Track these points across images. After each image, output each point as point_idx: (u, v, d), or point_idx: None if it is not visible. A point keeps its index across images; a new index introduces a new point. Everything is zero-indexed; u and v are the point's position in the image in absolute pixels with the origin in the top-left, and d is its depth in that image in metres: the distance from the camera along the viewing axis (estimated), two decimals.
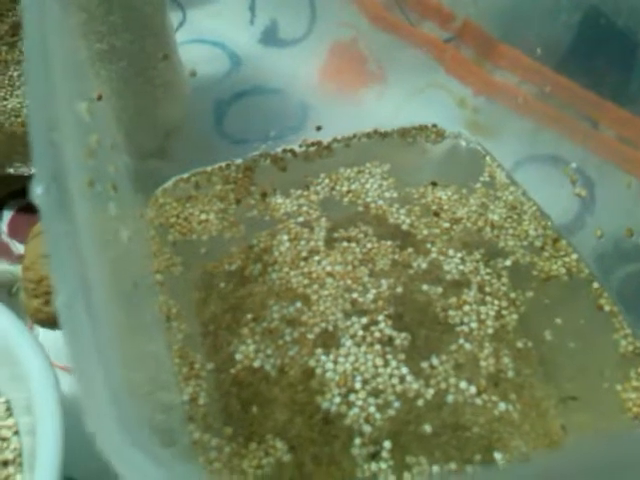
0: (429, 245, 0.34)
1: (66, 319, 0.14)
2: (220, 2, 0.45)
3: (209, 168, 0.36)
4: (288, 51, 0.43)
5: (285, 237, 0.34)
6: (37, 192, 0.15)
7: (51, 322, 0.32)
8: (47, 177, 0.15)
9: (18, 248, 0.38)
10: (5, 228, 0.39)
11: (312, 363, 0.29)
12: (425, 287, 0.32)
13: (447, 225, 0.35)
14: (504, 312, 0.31)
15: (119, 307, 0.16)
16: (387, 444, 0.27)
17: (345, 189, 0.36)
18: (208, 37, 0.44)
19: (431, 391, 0.29)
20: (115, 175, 0.23)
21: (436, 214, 0.35)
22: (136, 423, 0.12)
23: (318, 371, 0.29)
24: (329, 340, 0.30)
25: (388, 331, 0.30)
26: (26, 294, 0.32)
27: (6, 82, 0.34)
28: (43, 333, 0.32)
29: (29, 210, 0.39)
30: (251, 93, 0.42)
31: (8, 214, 0.39)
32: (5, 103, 0.34)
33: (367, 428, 0.27)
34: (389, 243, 0.34)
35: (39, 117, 0.17)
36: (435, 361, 0.29)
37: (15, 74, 0.34)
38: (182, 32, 0.43)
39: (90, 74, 0.25)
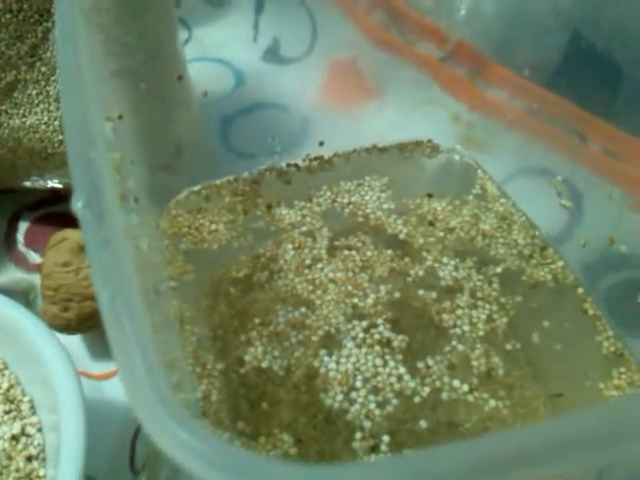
0: (425, 253, 0.35)
1: (108, 313, 0.16)
2: (225, 20, 0.45)
3: (218, 181, 0.38)
4: (290, 68, 0.44)
5: (290, 246, 0.35)
6: (78, 205, 0.17)
7: (68, 328, 0.33)
8: (87, 192, 0.17)
9: (34, 257, 0.39)
10: (22, 238, 0.40)
11: (316, 363, 0.31)
12: (421, 292, 0.33)
13: (442, 234, 0.36)
14: (495, 316, 0.33)
15: (147, 308, 0.18)
16: (386, 438, 0.28)
17: (346, 201, 0.38)
18: (213, 55, 0.45)
19: (427, 389, 0.30)
20: (135, 188, 0.25)
21: (431, 224, 0.36)
22: (171, 399, 0.14)
23: (322, 371, 0.30)
24: (332, 342, 0.31)
25: (387, 333, 0.32)
26: (45, 301, 0.34)
27: (25, 100, 0.35)
28: (60, 339, 0.34)
29: (44, 221, 0.40)
30: (255, 109, 0.43)
31: (24, 225, 0.40)
32: (24, 120, 0.35)
33: (367, 423, 0.29)
34: (388, 252, 0.35)
35: (77, 135, 0.19)
36: (430, 361, 0.31)
37: (34, 92, 0.35)
38: (188, 50, 0.43)
39: (110, 94, 0.27)
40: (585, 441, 0.16)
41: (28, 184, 0.39)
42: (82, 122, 0.20)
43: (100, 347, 0.36)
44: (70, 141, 0.19)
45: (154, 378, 0.15)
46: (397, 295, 0.33)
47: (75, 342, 0.35)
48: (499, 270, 0.35)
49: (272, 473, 0.13)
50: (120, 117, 0.27)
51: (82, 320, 0.33)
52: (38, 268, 0.39)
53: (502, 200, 0.38)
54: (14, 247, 0.40)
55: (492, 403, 0.30)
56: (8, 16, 0.33)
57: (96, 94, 0.22)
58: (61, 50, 0.22)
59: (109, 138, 0.22)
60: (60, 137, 0.36)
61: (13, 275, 0.39)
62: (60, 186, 0.39)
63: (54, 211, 0.41)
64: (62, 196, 0.41)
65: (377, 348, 0.31)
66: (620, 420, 0.16)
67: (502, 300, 0.34)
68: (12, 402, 0.29)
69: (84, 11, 0.24)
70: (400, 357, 0.31)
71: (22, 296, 0.37)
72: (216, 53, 0.45)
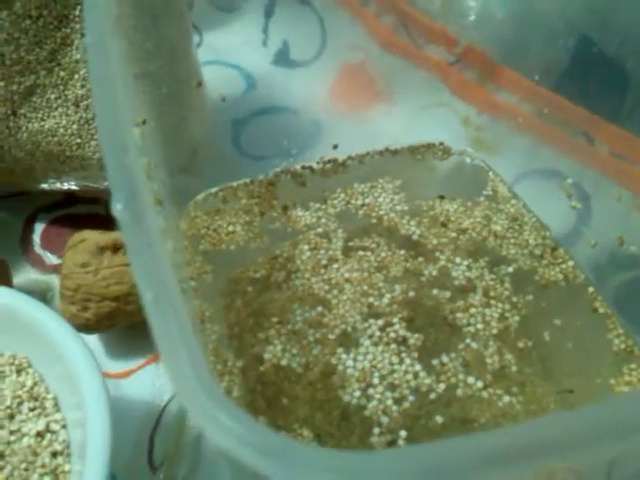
0: (438, 253, 0.36)
1: (153, 312, 0.16)
2: (235, 25, 0.46)
3: (235, 184, 0.38)
4: (300, 72, 0.45)
5: (306, 247, 0.36)
6: (117, 208, 0.18)
7: (87, 327, 0.34)
8: (125, 194, 0.18)
9: (50, 259, 0.40)
10: (38, 240, 0.40)
11: (334, 361, 0.31)
12: (435, 292, 0.34)
13: (454, 235, 0.37)
14: (507, 314, 0.33)
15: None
16: (403, 433, 0.29)
17: (360, 203, 0.38)
18: (224, 58, 0.46)
19: (442, 386, 0.31)
20: (159, 191, 0.26)
21: (444, 225, 0.37)
22: (216, 390, 0.15)
23: (340, 368, 0.31)
24: (349, 340, 0.32)
25: (402, 332, 0.32)
26: (64, 301, 0.34)
27: (44, 104, 0.35)
28: None
29: (60, 223, 0.41)
30: (266, 112, 0.43)
31: (40, 226, 0.41)
32: (43, 124, 0.36)
33: (385, 419, 0.29)
34: (401, 252, 0.36)
35: (111, 140, 0.19)
36: (445, 358, 0.31)
37: (52, 96, 0.35)
38: (199, 54, 0.44)
39: (135, 99, 0.27)
40: (597, 433, 0.16)
41: (45, 186, 0.39)
42: (115, 127, 0.20)
43: (117, 346, 0.36)
44: (105, 146, 0.19)
45: (200, 371, 0.15)
46: (412, 294, 0.34)
47: (93, 341, 0.36)
48: (511, 270, 0.35)
49: (318, 458, 0.14)
50: (144, 122, 0.27)
51: (100, 320, 0.34)
52: (54, 269, 0.39)
53: (513, 201, 0.38)
54: (30, 248, 0.40)
55: (506, 399, 0.30)
56: (27, 22, 0.34)
57: (126, 100, 0.23)
58: (92, 58, 0.22)
59: (138, 143, 0.23)
60: (78, 140, 0.36)
61: (30, 276, 0.39)
62: (76, 188, 0.39)
63: (70, 213, 0.42)
64: (78, 198, 0.42)
65: (393, 346, 0.32)
66: (630, 412, 0.17)
67: (514, 299, 0.34)
68: (36, 399, 0.29)
69: (112, 18, 0.25)
70: (416, 355, 0.32)
71: (39, 297, 0.37)
72: (227, 57, 0.46)
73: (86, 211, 0.41)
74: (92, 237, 0.35)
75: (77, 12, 0.34)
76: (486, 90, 0.40)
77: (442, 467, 0.15)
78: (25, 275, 0.39)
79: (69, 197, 0.42)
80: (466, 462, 0.15)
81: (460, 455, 0.15)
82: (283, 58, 0.45)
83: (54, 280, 0.39)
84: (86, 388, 0.27)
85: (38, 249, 0.40)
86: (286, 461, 0.14)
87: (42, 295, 0.38)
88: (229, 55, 0.46)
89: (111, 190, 0.19)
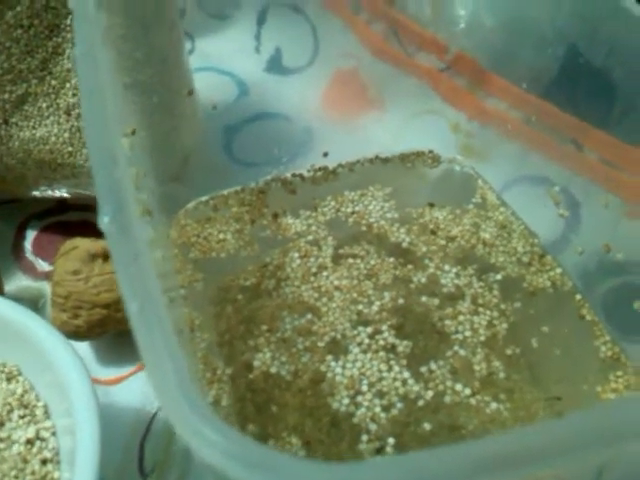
0: (427, 261, 0.36)
1: (138, 322, 0.16)
2: (227, 32, 0.47)
3: (225, 192, 0.39)
4: (292, 79, 0.45)
5: (296, 254, 0.36)
6: (104, 221, 0.18)
7: (77, 334, 0.34)
8: (112, 207, 0.18)
9: (42, 265, 0.40)
10: (29, 247, 0.40)
11: (323, 368, 0.31)
12: (424, 299, 0.34)
13: (443, 243, 0.37)
14: (495, 322, 0.34)
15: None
16: (391, 440, 0.29)
17: (350, 210, 0.38)
18: (217, 65, 0.46)
19: (430, 393, 0.31)
20: (148, 201, 0.26)
21: (433, 233, 0.37)
22: (200, 403, 0.15)
23: (329, 375, 0.31)
24: (338, 348, 0.32)
25: (391, 339, 0.32)
26: (55, 308, 0.34)
27: (35, 113, 0.36)
28: None
29: (52, 230, 0.41)
30: (258, 119, 0.44)
31: (32, 233, 0.41)
32: (34, 132, 0.36)
33: (373, 426, 0.30)
34: (391, 260, 0.36)
35: (100, 153, 0.20)
36: (433, 366, 0.32)
37: (44, 105, 0.35)
38: (191, 61, 0.44)
39: (124, 109, 0.27)
40: (584, 440, 0.16)
41: (36, 194, 0.39)
42: (104, 139, 0.20)
43: (107, 353, 0.36)
44: (94, 158, 0.20)
45: (184, 384, 0.15)
46: (401, 302, 0.34)
47: (83, 348, 0.36)
48: (499, 277, 0.36)
49: (305, 471, 0.14)
50: (133, 132, 0.27)
51: (91, 327, 0.34)
52: (46, 276, 0.39)
53: (502, 209, 0.39)
54: (22, 255, 0.40)
55: (493, 406, 0.31)
56: (19, 31, 0.34)
57: (115, 110, 0.23)
58: (82, 69, 0.22)
59: (127, 154, 0.23)
60: (69, 149, 0.36)
61: (21, 283, 0.39)
62: (68, 196, 0.39)
63: (61, 220, 0.42)
64: (69, 205, 0.42)
65: (382, 353, 0.32)
66: (617, 419, 0.17)
67: (502, 306, 0.34)
68: (26, 407, 0.29)
69: (102, 29, 0.25)
70: (404, 362, 0.32)
71: (30, 304, 0.38)
72: (219, 64, 0.46)
73: (77, 218, 0.41)
74: (83, 245, 0.35)
75: (68, 21, 0.34)
76: (476, 97, 0.40)
77: (431, 476, 0.15)
78: (17, 282, 0.39)
79: (60, 204, 0.42)
80: (456, 471, 0.15)
81: (449, 464, 0.15)
82: (275, 65, 0.45)
83: (46, 287, 0.39)
84: (76, 395, 0.27)
85: (30, 256, 0.40)
86: (272, 474, 0.14)
87: (34, 302, 0.38)
88: (221, 62, 0.46)
89: (98, 203, 0.19)
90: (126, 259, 0.17)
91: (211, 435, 0.14)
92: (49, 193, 0.39)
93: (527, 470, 0.16)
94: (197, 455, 0.14)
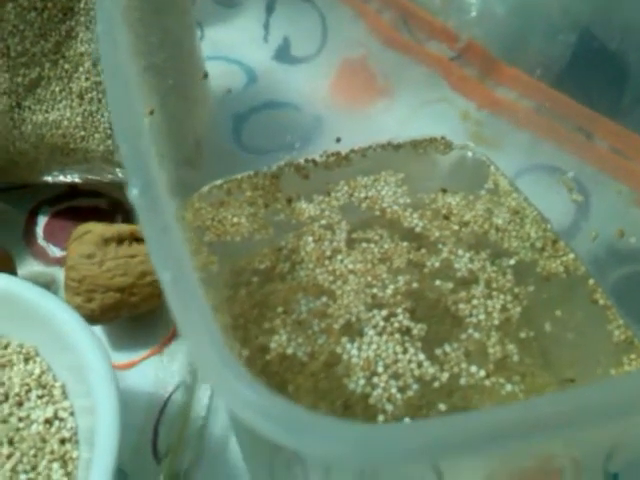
0: (440, 246, 0.36)
1: (172, 292, 0.17)
2: (236, 20, 0.46)
3: (239, 176, 0.39)
4: (301, 67, 0.44)
5: (310, 238, 0.36)
6: (133, 193, 0.18)
7: (91, 318, 0.34)
8: (141, 180, 0.18)
9: (53, 251, 0.40)
10: (41, 232, 0.41)
11: (339, 350, 0.32)
12: (438, 283, 0.34)
13: (456, 228, 0.37)
14: (509, 306, 0.34)
15: None
16: (407, 421, 0.29)
17: (363, 195, 0.38)
18: (225, 53, 0.46)
19: (446, 375, 0.31)
20: (166, 182, 0.26)
21: (446, 218, 0.37)
22: (235, 364, 0.15)
23: (344, 357, 0.31)
24: (353, 330, 0.32)
25: (406, 322, 0.33)
26: (68, 292, 0.35)
27: (48, 96, 0.36)
28: None
29: (63, 215, 0.41)
30: (267, 107, 0.44)
31: (43, 219, 0.41)
32: (47, 116, 0.36)
33: (389, 407, 0.30)
34: (404, 244, 0.36)
35: (126, 127, 0.20)
36: (448, 348, 0.32)
37: (57, 89, 0.35)
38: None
39: (142, 90, 0.27)
40: (594, 412, 0.17)
41: (48, 179, 0.39)
42: (129, 114, 0.21)
43: (120, 337, 0.36)
44: (120, 132, 0.20)
45: (221, 349, 0.16)
46: (415, 285, 0.34)
47: (97, 332, 0.35)
48: (512, 262, 0.36)
49: (341, 430, 0.14)
50: (152, 112, 0.27)
51: (105, 311, 0.34)
52: (58, 261, 0.39)
53: (514, 195, 0.39)
54: (34, 241, 0.40)
55: (508, 387, 0.31)
56: (33, 14, 0.34)
57: (137, 89, 0.23)
58: (104, 46, 0.22)
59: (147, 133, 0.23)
60: (82, 133, 0.36)
61: (33, 268, 0.39)
62: (79, 181, 0.40)
63: (73, 205, 0.42)
64: (80, 191, 0.42)
65: (397, 336, 0.32)
66: (628, 392, 0.17)
67: (516, 290, 0.35)
68: (44, 387, 0.29)
69: (121, 9, 0.25)
70: (419, 344, 0.32)
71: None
72: (228, 53, 0.46)
73: (88, 204, 0.42)
74: (97, 229, 0.35)
75: (82, 5, 0.34)
76: (486, 86, 0.40)
77: (451, 440, 0.16)
78: (28, 267, 0.39)
79: (71, 190, 0.42)
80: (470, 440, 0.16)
81: (466, 429, 0.16)
82: (284, 54, 0.45)
83: (58, 272, 0.39)
84: (95, 376, 0.27)
85: (41, 241, 0.40)
86: (310, 433, 0.14)
87: (46, 288, 0.38)
88: (230, 50, 0.46)
89: (127, 175, 0.19)
90: (156, 230, 0.17)
91: (250, 396, 0.15)
92: (61, 178, 0.39)
93: (537, 439, 0.16)
94: (234, 416, 0.15)
